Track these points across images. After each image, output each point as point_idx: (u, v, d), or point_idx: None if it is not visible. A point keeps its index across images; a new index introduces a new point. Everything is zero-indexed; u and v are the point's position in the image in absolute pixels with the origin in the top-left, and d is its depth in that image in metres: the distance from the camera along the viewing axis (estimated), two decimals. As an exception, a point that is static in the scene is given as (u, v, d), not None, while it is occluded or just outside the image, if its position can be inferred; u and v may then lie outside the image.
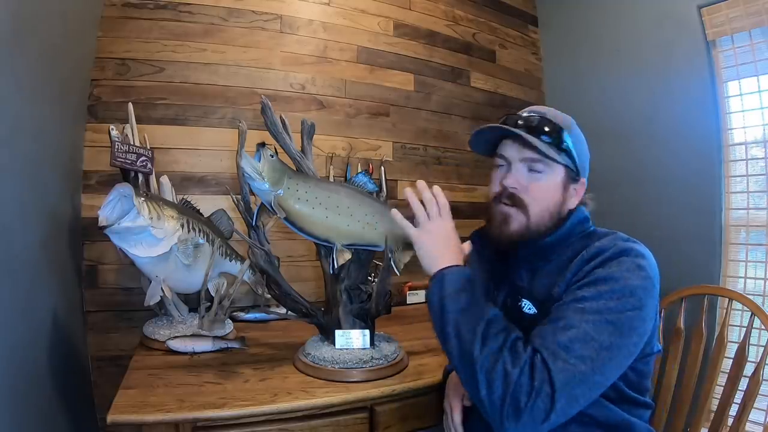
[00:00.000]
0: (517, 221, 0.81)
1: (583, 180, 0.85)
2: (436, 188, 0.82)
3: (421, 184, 0.82)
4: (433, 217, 0.81)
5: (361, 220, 1.05)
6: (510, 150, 0.83)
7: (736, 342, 1.31)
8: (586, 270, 0.73)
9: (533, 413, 0.61)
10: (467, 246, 0.85)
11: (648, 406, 0.81)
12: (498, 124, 0.83)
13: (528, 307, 0.81)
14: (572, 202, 0.83)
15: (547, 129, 0.80)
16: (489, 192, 0.87)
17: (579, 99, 2.16)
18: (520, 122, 0.82)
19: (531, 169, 0.81)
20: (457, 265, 0.77)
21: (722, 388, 1.16)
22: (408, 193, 0.83)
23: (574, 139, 0.83)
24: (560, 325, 0.67)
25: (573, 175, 0.83)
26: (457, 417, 0.93)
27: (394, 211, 0.84)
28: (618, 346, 0.66)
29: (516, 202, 0.81)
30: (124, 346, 1.42)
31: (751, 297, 1.19)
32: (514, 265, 0.87)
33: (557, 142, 0.80)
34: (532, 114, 0.83)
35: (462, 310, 0.72)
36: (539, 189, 0.81)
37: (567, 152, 0.81)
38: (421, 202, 0.82)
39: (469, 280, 0.75)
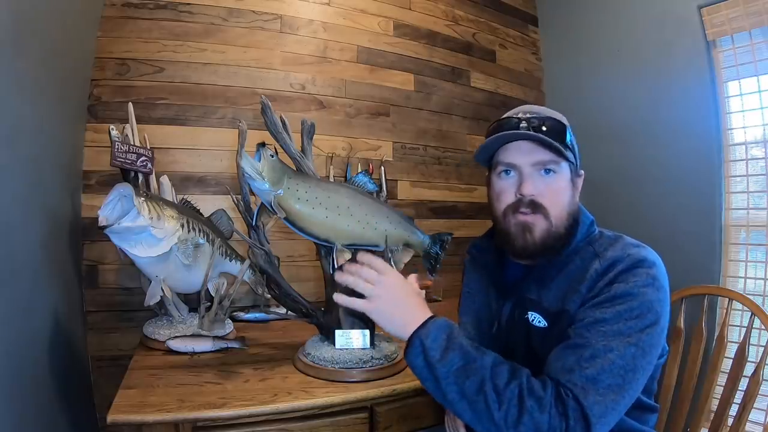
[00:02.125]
0: (539, 228, 0.77)
1: (582, 172, 0.84)
2: (360, 256, 0.77)
3: (345, 264, 0.78)
4: (374, 281, 0.74)
5: (361, 220, 1.05)
6: (516, 155, 0.78)
7: (736, 342, 1.31)
8: (601, 286, 0.71)
9: None
10: (413, 278, 0.80)
11: (654, 410, 0.81)
12: (514, 131, 0.77)
13: (538, 320, 0.79)
14: (577, 197, 0.82)
15: (555, 128, 0.78)
16: (496, 204, 0.82)
17: (579, 99, 2.16)
18: (531, 124, 0.77)
19: (545, 172, 0.78)
20: (428, 320, 0.72)
21: (722, 388, 1.16)
22: (338, 277, 0.77)
23: (571, 133, 0.81)
24: (585, 355, 0.65)
25: (575, 169, 0.81)
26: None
27: (336, 296, 0.76)
28: (642, 366, 0.66)
29: (536, 208, 0.77)
30: (124, 346, 1.42)
31: (751, 297, 1.19)
32: (521, 275, 0.85)
33: (562, 139, 0.78)
34: (533, 115, 0.79)
35: (457, 371, 0.67)
36: (556, 190, 0.78)
37: (570, 148, 0.79)
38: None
39: (448, 334, 0.71)
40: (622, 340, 0.66)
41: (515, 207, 0.78)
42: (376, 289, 0.74)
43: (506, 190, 0.80)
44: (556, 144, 0.75)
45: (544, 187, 0.77)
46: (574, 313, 0.73)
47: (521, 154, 0.78)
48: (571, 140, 0.80)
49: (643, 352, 0.66)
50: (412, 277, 0.81)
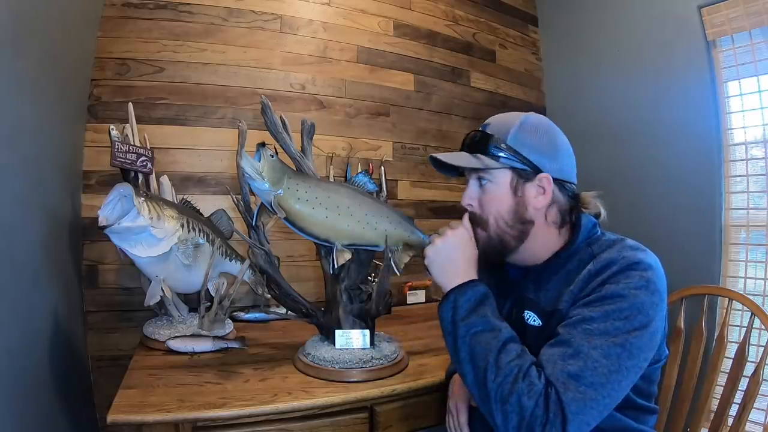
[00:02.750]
0: (481, 239, 0.82)
1: (546, 175, 0.78)
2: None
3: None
4: (443, 233, 0.83)
5: (361, 220, 1.05)
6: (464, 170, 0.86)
7: (736, 342, 1.31)
8: (593, 286, 0.72)
9: None
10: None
11: (653, 411, 0.81)
12: (433, 155, 0.86)
13: (533, 319, 0.80)
14: (538, 201, 0.79)
15: (479, 139, 0.82)
16: None
17: (579, 99, 2.16)
18: (465, 142, 0.85)
19: (480, 183, 0.83)
20: (469, 281, 0.78)
21: (722, 388, 1.16)
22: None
23: (522, 136, 0.79)
24: (569, 352, 0.66)
25: (525, 174, 0.80)
26: (464, 418, 0.93)
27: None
28: (627, 367, 0.66)
29: (475, 220, 0.83)
30: (124, 346, 1.42)
31: (751, 297, 1.19)
32: (520, 275, 0.86)
33: (496, 149, 0.80)
34: (477, 130, 0.85)
35: (475, 335, 0.72)
36: (488, 199, 0.81)
37: (510, 154, 0.79)
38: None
39: (480, 299, 0.76)
40: (608, 340, 0.66)
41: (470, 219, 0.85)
42: (439, 241, 0.82)
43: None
44: (459, 162, 0.81)
45: (477, 197, 0.83)
46: (566, 312, 0.74)
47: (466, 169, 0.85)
48: (511, 145, 0.79)
49: (629, 354, 0.66)
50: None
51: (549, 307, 0.78)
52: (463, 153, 0.83)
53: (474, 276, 0.80)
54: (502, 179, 0.80)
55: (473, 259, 0.82)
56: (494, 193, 0.80)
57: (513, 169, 0.79)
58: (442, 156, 0.83)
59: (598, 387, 0.64)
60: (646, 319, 0.68)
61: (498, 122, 0.83)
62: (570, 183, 0.82)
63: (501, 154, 0.79)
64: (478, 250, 0.83)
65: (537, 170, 0.79)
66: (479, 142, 0.82)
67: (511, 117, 0.83)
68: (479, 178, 0.82)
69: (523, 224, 0.80)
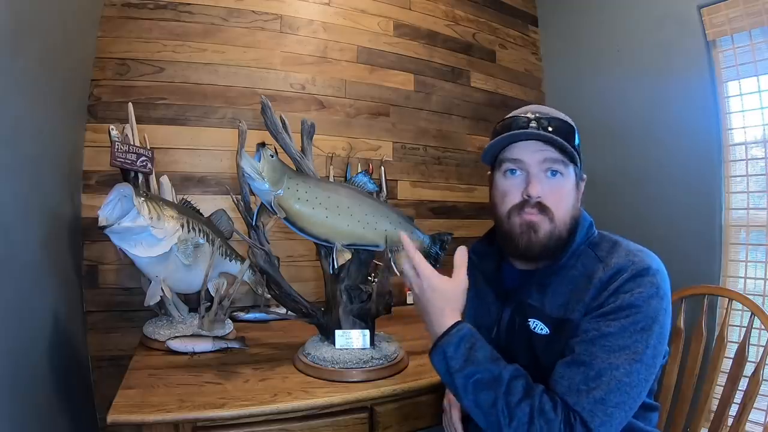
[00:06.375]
0: (544, 229, 0.76)
1: (585, 176, 0.82)
2: (411, 250, 0.81)
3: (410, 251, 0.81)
4: (413, 278, 0.80)
5: (361, 220, 1.05)
6: (525, 154, 0.77)
7: (736, 342, 1.31)
8: (606, 295, 0.71)
9: None
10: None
11: (655, 408, 0.81)
12: (523, 130, 0.76)
13: (539, 327, 0.78)
14: (579, 201, 0.81)
15: (564, 129, 0.77)
16: (500, 204, 0.80)
17: (579, 99, 2.16)
18: (541, 125, 0.76)
19: (552, 173, 0.77)
20: (453, 327, 0.74)
21: (722, 388, 1.16)
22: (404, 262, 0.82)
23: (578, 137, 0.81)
24: (591, 375, 0.66)
25: (579, 173, 0.81)
26: (456, 415, 0.93)
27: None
28: (646, 378, 0.68)
29: (542, 209, 0.76)
30: (124, 346, 1.42)
31: (751, 297, 1.19)
32: (521, 280, 0.84)
33: (571, 141, 0.77)
34: (542, 115, 0.78)
35: (475, 383, 0.70)
36: (561, 193, 0.77)
37: (578, 151, 0.78)
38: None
39: (470, 344, 0.73)
40: (628, 356, 0.66)
41: (521, 207, 0.77)
42: (414, 286, 0.79)
43: (512, 191, 0.78)
44: (568, 145, 0.75)
45: (550, 189, 0.76)
46: (578, 322, 0.73)
47: (530, 153, 0.76)
48: (578, 144, 0.79)
49: (647, 366, 0.67)
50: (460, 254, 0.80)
51: (556, 314, 0.76)
52: (558, 138, 0.75)
53: (456, 317, 0.76)
54: (571, 174, 0.78)
55: (447, 294, 0.77)
56: (567, 186, 0.78)
57: (575, 166, 0.78)
58: (547, 135, 0.75)
59: (622, 405, 0.65)
60: (660, 327, 0.69)
61: (558, 116, 0.79)
62: None
63: (576, 147, 0.78)
64: (542, 240, 0.76)
65: (581, 172, 0.81)
66: (567, 132, 0.76)
67: (561, 113, 0.81)
68: (554, 168, 0.76)
69: (576, 221, 0.79)
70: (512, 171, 0.79)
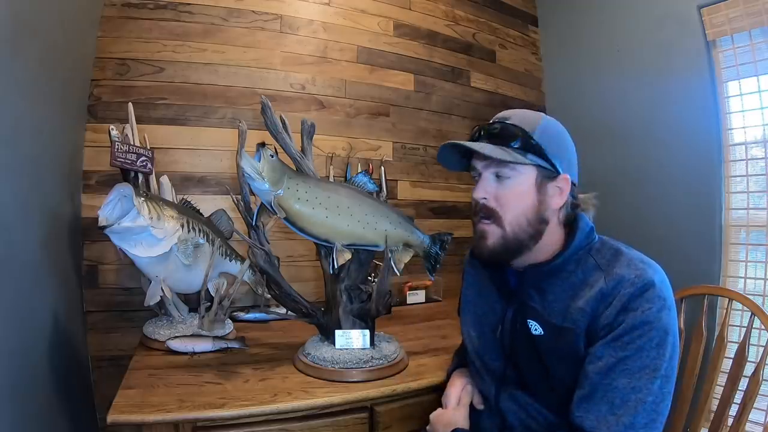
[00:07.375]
0: (493, 235, 0.78)
1: (565, 176, 0.78)
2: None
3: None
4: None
5: (361, 220, 1.05)
6: (476, 161, 0.81)
7: (736, 342, 1.31)
8: (613, 313, 0.70)
9: None
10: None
11: None
12: (454, 141, 0.80)
13: (534, 327, 0.78)
14: (555, 202, 0.78)
15: (507, 133, 0.77)
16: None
17: (579, 99, 2.16)
18: (482, 133, 0.80)
19: (498, 176, 0.78)
20: None
21: (722, 388, 1.16)
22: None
23: (547, 136, 0.78)
24: (617, 402, 0.67)
25: (548, 173, 0.78)
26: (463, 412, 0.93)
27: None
28: (669, 391, 0.69)
29: (489, 213, 0.79)
30: (124, 346, 1.42)
31: (751, 297, 1.19)
32: (520, 282, 0.83)
33: (523, 144, 0.76)
34: (499, 120, 0.80)
35: None
36: (509, 195, 0.78)
37: (536, 151, 0.77)
38: None
39: None
40: (648, 375, 0.67)
41: (474, 212, 0.81)
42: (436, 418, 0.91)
43: (473, 197, 0.82)
44: (492, 153, 0.75)
45: (495, 192, 0.79)
46: (580, 333, 0.72)
47: (478, 160, 0.81)
48: (537, 143, 0.77)
49: (667, 379, 0.68)
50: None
51: (554, 319, 0.76)
52: (487, 144, 0.77)
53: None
54: (526, 176, 0.77)
55: (444, 419, 0.88)
56: (517, 189, 0.77)
57: (538, 166, 0.77)
58: (470, 144, 0.77)
59: (651, 424, 0.67)
60: (672, 336, 0.70)
61: (521, 117, 0.80)
62: (575, 184, 0.82)
63: (528, 150, 0.77)
64: (490, 247, 0.79)
65: (557, 170, 0.78)
66: (503, 135, 0.77)
67: (533, 114, 0.81)
68: (499, 171, 0.78)
69: (540, 224, 0.78)
70: (475, 177, 0.83)
